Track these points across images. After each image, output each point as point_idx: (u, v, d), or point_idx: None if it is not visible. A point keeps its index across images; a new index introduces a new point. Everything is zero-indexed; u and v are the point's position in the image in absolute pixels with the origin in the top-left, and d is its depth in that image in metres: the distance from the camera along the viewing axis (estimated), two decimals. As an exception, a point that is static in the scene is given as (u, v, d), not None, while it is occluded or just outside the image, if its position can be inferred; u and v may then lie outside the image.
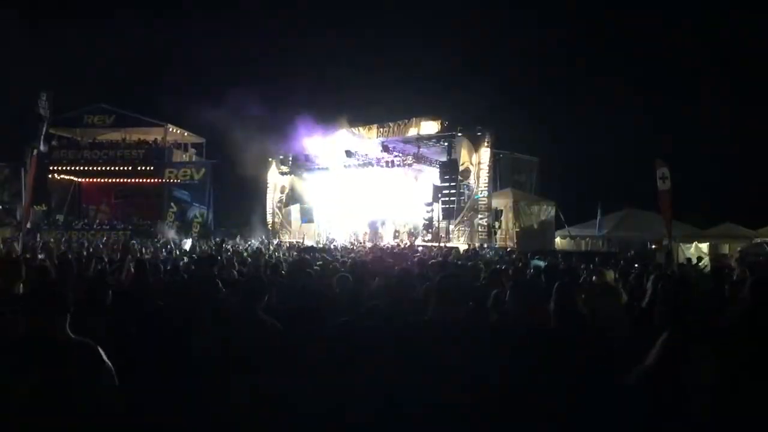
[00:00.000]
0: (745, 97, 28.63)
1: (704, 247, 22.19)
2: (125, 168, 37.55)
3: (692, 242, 22.47)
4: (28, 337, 3.08)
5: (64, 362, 2.96)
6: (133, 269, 7.75)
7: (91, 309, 4.66)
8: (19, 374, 2.88)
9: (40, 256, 10.99)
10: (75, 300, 3.31)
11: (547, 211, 27.32)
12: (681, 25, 31.48)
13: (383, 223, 32.29)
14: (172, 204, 36.67)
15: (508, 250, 22.73)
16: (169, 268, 9.01)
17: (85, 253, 13.98)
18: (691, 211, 23.41)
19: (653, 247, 22.16)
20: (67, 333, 3.09)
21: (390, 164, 28.21)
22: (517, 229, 26.12)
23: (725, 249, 21.53)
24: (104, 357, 3.08)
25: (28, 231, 17.54)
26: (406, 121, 27.62)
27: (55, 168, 36.49)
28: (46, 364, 2.92)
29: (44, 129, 16.33)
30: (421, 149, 27.24)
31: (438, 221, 27.40)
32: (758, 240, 21.10)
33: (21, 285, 4.85)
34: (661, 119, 30.27)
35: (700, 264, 17.00)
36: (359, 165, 29.83)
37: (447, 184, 25.97)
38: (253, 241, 28.69)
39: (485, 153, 25.18)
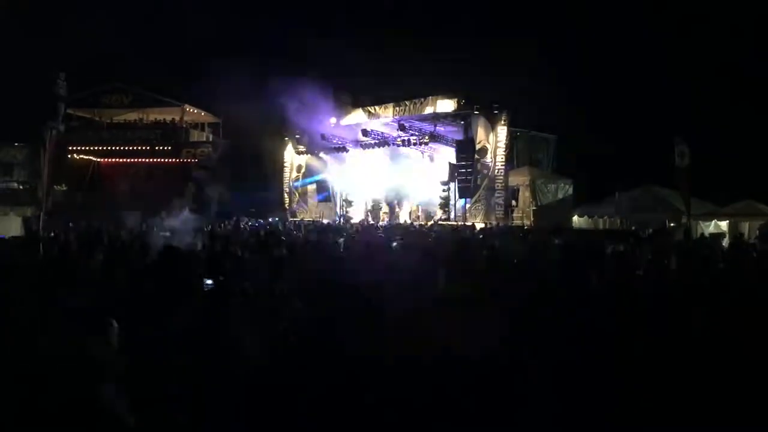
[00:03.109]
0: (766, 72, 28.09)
1: (723, 224, 21.90)
2: (143, 148, 37.79)
3: (711, 220, 22.19)
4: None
5: (68, 331, 2.97)
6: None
7: (109, 284, 4.72)
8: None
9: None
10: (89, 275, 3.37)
11: (564, 189, 27.14)
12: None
13: (399, 202, 32.34)
14: (190, 183, 36.81)
15: (526, 228, 22.66)
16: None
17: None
18: (711, 188, 23.11)
19: (672, 224, 21.93)
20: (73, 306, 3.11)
21: (406, 143, 28.15)
22: (534, 208, 26.00)
23: (745, 226, 21.23)
24: (110, 331, 3.07)
25: (49, 211, 17.71)
26: (422, 99, 27.47)
27: (74, 148, 36.80)
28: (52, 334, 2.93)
29: (63, 109, 16.40)
30: (437, 128, 27.12)
31: (454, 200, 27.37)
32: (779, 217, 20.79)
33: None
34: (680, 95, 29.78)
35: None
36: (375, 144, 29.78)
37: (463, 163, 25.86)
38: (271, 219, 28.93)
39: (502, 131, 25.03)
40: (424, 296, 5.01)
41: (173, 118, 38.90)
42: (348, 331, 4.40)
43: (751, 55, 28.78)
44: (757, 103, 27.56)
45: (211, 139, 40.80)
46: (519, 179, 26.51)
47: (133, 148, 37.88)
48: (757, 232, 19.28)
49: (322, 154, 33.52)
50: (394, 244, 11.53)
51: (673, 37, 31.03)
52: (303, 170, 35.04)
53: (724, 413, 3.34)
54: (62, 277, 3.38)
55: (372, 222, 29.15)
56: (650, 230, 19.96)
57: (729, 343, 3.61)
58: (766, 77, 27.69)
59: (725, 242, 16.93)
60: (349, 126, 30.82)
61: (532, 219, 25.57)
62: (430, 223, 26.11)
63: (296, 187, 35.37)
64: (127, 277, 5.32)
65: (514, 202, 25.91)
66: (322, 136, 31.86)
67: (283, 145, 35.30)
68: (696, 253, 8.60)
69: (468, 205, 26.04)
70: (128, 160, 38.30)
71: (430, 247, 8.82)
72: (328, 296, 5.18)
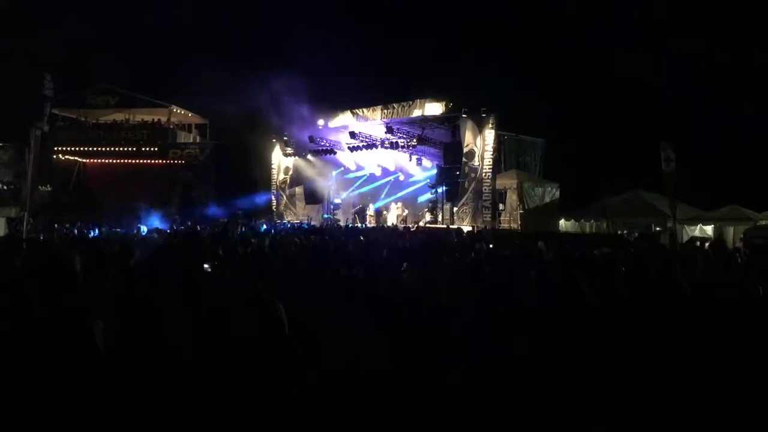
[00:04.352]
0: (749, 78, 28.35)
1: (708, 229, 22.11)
2: (129, 149, 37.57)
3: (696, 224, 22.40)
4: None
5: (61, 334, 2.99)
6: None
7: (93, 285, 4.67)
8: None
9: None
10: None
11: (551, 193, 27.26)
12: (684, 6, 31.16)
13: (387, 205, 32.37)
14: (177, 185, 36.69)
15: (514, 231, 22.75)
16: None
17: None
18: (697, 192, 23.31)
19: (658, 229, 22.10)
20: (69, 307, 3.12)
21: (394, 146, 28.17)
22: (522, 211, 26.09)
23: (729, 231, 21.44)
24: (96, 331, 3.08)
25: (33, 212, 17.58)
26: (411, 102, 27.51)
27: (60, 149, 36.55)
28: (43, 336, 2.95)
29: (48, 109, 16.32)
30: (425, 131, 27.16)
31: (442, 203, 27.42)
32: (763, 222, 21.00)
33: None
34: (667, 100, 30.01)
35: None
36: (363, 146, 29.80)
37: (451, 166, 25.93)
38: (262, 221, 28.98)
39: (490, 134, 25.08)
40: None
41: (160, 119, 38.71)
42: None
43: (737, 60, 29.03)
44: (742, 108, 27.84)
45: (198, 141, 40.64)
46: (506, 182, 26.58)
47: (119, 149, 37.64)
48: (742, 236, 19.49)
49: (309, 156, 33.52)
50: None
51: (660, 41, 31.25)
52: (290, 172, 35.01)
53: (715, 419, 3.36)
54: (46, 278, 3.36)
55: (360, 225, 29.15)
56: (636, 234, 20.12)
57: (715, 348, 3.62)
58: (751, 83, 27.94)
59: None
60: (336, 128, 30.83)
61: (519, 222, 25.67)
62: (414, 226, 26.18)
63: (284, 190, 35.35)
64: (114, 278, 5.29)
65: (501, 206, 25.98)
66: (310, 138, 31.83)
67: (271, 147, 35.24)
68: (682, 257, 8.66)
69: (455, 209, 26.09)
70: (114, 160, 38.07)
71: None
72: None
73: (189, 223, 23.62)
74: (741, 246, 17.11)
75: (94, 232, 16.10)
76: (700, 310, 4.19)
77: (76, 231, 17.02)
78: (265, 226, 25.85)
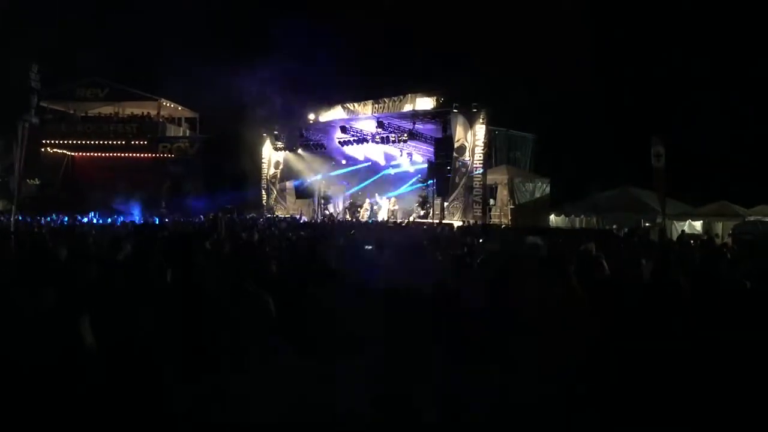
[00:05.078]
0: (740, 75, 28.46)
1: (698, 225, 22.24)
2: (119, 142, 37.33)
3: (686, 220, 22.51)
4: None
5: (48, 329, 2.95)
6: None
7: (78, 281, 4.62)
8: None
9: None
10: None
11: (542, 188, 27.31)
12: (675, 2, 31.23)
13: (377, 201, 32.33)
14: (166, 179, 36.50)
15: (503, 226, 22.78)
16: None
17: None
18: (686, 188, 23.39)
19: (647, 225, 22.20)
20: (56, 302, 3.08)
21: (385, 140, 28.14)
22: (512, 206, 26.12)
23: (718, 227, 21.57)
24: (82, 328, 3.04)
25: (21, 205, 17.43)
26: (401, 97, 27.44)
27: (48, 141, 36.28)
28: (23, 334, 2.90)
29: (35, 101, 16.15)
30: (416, 125, 27.12)
31: (432, 198, 27.42)
32: (751, 218, 21.13)
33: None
34: (657, 96, 30.09)
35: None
36: (354, 141, 29.73)
37: (442, 161, 25.90)
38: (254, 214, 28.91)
39: (480, 129, 25.08)
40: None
41: (149, 113, 38.49)
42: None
43: (728, 57, 29.15)
44: (732, 104, 27.94)
45: (188, 134, 40.44)
46: (497, 178, 26.60)
47: (108, 143, 37.40)
48: (730, 232, 19.61)
49: (300, 151, 33.42)
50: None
51: (651, 37, 31.32)
52: (281, 167, 34.89)
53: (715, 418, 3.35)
54: (35, 272, 3.32)
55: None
56: (626, 229, 20.20)
57: (711, 343, 3.62)
58: (742, 79, 28.07)
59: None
60: (327, 123, 30.74)
61: (509, 218, 25.70)
62: (402, 221, 26.19)
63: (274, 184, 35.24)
64: (102, 272, 5.25)
65: (492, 201, 26.01)
66: (301, 133, 31.75)
67: (261, 141, 35.10)
68: (675, 253, 8.68)
69: (446, 204, 26.08)
70: (103, 154, 37.82)
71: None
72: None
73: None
74: (729, 241, 17.22)
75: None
76: (696, 305, 4.20)
77: (64, 224, 16.91)
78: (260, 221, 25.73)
